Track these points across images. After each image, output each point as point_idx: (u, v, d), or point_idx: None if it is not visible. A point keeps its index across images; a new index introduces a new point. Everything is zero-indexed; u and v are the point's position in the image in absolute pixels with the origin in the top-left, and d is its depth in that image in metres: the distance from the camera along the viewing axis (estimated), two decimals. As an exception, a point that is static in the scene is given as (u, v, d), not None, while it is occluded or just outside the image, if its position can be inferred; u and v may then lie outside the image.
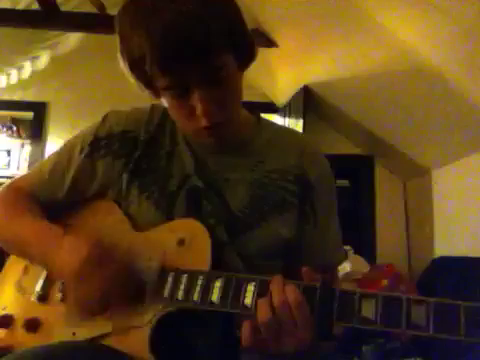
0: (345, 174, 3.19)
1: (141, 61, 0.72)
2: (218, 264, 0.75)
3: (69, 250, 0.76)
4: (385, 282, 2.59)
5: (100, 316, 0.76)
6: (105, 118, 0.93)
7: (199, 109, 0.75)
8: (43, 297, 0.84)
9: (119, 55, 0.77)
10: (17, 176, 0.98)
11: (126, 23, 0.74)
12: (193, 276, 0.73)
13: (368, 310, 0.62)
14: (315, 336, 0.64)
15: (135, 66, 0.75)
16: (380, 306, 0.61)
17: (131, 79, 0.79)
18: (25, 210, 0.88)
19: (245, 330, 0.66)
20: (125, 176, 0.88)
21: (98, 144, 0.90)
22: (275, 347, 0.66)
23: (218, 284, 0.71)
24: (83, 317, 0.78)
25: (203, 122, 0.77)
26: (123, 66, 0.78)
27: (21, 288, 0.88)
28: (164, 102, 0.81)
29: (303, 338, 0.64)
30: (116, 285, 0.74)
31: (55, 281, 0.86)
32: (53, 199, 0.91)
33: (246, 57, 0.81)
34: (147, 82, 0.77)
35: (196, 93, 0.74)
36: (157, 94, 0.80)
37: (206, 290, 0.71)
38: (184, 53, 0.70)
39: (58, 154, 0.94)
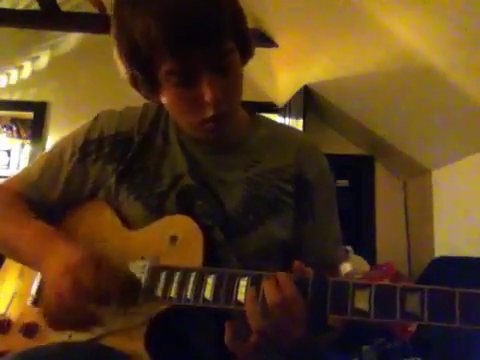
0: (345, 174, 3.19)
1: (144, 44, 0.69)
2: (215, 265, 0.74)
3: (63, 254, 0.75)
4: (385, 282, 2.59)
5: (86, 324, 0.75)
6: (96, 119, 0.91)
7: (207, 96, 0.72)
8: (38, 300, 0.83)
9: (114, 41, 0.74)
10: (5, 179, 0.96)
11: (127, 10, 0.71)
12: (186, 273, 0.73)
13: (361, 301, 0.61)
14: (309, 328, 0.63)
15: (135, 51, 0.71)
16: (373, 296, 0.60)
17: (124, 71, 0.76)
18: (18, 211, 0.87)
19: (227, 333, 0.66)
20: (114, 177, 0.86)
21: (89, 148, 0.89)
22: (269, 344, 0.65)
23: (211, 280, 0.70)
24: (65, 323, 0.76)
25: (209, 111, 0.74)
26: (118, 54, 0.75)
27: (17, 292, 0.88)
28: (164, 95, 0.78)
29: (297, 333, 0.63)
30: (112, 286, 0.72)
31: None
32: (45, 201, 0.90)
33: (247, 50, 0.80)
34: (147, 70, 0.74)
35: (204, 79, 0.72)
36: (154, 88, 0.77)
37: (199, 287, 0.70)
38: (197, 33, 0.68)
39: (48, 157, 0.92)
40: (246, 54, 0.81)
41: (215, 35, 0.70)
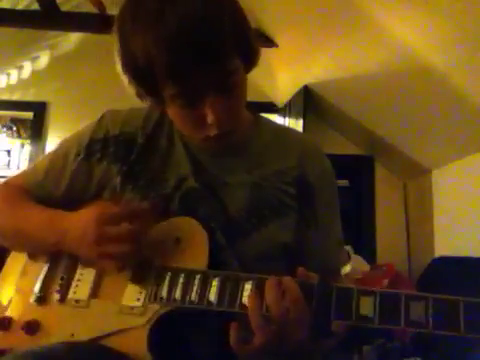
0: (345, 174, 3.18)
1: (147, 68, 0.69)
2: (217, 268, 0.75)
3: (83, 214, 0.78)
4: (385, 282, 2.59)
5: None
6: (102, 118, 0.91)
7: (211, 118, 0.72)
8: (41, 299, 0.83)
9: (118, 61, 0.74)
10: (11, 175, 0.97)
11: (127, 25, 0.70)
12: (190, 275, 0.73)
13: (366, 307, 0.61)
14: (313, 334, 0.63)
15: (139, 74, 0.71)
16: (378, 303, 0.61)
17: (129, 86, 0.76)
18: (25, 201, 0.87)
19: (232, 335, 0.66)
20: (119, 178, 0.87)
21: (94, 147, 0.89)
22: (271, 347, 0.65)
23: (215, 283, 0.70)
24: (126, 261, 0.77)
25: (212, 131, 0.75)
26: (122, 73, 0.74)
27: (20, 290, 0.88)
28: (168, 110, 0.79)
29: (300, 337, 0.63)
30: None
31: (60, 262, 0.86)
32: (49, 199, 0.90)
33: (252, 59, 0.79)
34: (151, 91, 0.74)
35: (208, 101, 0.72)
36: (160, 102, 0.77)
37: (203, 289, 0.71)
38: (199, 58, 0.67)
39: (53, 156, 0.93)
40: (251, 63, 0.79)
41: (218, 56, 0.69)
